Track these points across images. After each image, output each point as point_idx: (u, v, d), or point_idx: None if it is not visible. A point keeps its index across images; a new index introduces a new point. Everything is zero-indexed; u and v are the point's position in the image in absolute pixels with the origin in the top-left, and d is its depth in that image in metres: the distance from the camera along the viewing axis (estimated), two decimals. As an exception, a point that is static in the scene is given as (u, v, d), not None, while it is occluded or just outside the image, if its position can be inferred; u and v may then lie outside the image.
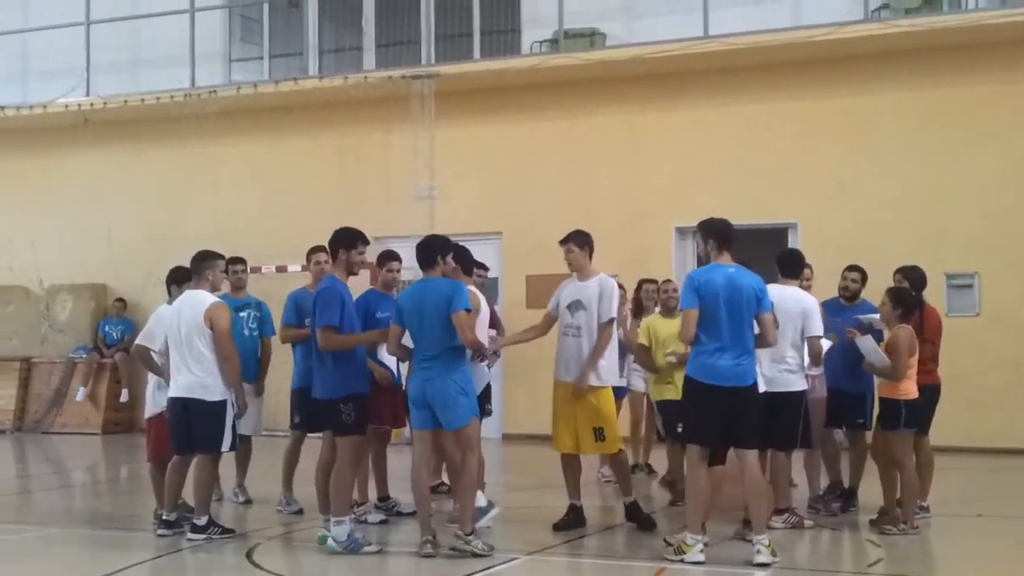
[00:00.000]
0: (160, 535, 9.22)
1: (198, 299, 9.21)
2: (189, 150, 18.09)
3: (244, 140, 18.19)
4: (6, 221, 19.86)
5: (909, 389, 9.02)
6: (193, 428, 9.12)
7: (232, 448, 9.45)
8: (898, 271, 10.03)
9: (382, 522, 9.79)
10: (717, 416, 8.11)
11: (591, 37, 16.52)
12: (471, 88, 16.84)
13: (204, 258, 9.44)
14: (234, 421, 9.34)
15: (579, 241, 9.40)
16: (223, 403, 9.15)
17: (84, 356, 18.47)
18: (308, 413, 9.62)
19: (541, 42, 16.88)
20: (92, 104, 18.54)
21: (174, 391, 9.17)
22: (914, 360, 9.08)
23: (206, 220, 17.26)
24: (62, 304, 19.23)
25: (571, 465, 9.55)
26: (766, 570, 7.84)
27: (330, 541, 8.57)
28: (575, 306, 9.29)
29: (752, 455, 8.24)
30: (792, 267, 9.53)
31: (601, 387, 9.22)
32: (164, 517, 9.31)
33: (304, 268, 11.83)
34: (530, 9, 17.27)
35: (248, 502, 10.90)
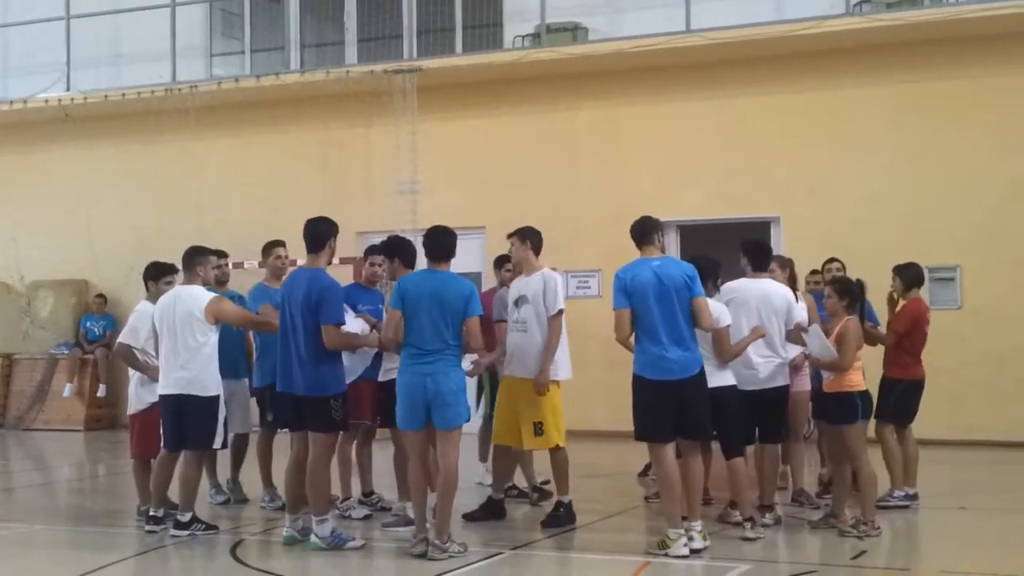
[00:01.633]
0: (148, 531, 9.18)
1: (192, 294, 9.15)
2: (170, 145, 18.04)
3: (225, 135, 18.13)
4: (-13, 217, 19.79)
5: (858, 381, 8.93)
6: (186, 425, 9.06)
7: (224, 446, 9.43)
8: (894, 269, 10.26)
9: (366, 517, 9.78)
10: (670, 410, 8.14)
11: (573, 31, 16.51)
12: (453, 83, 16.82)
13: (196, 253, 9.42)
14: (225, 419, 9.34)
15: (523, 236, 9.51)
16: (216, 399, 9.12)
17: (66, 352, 18.40)
18: (281, 410, 9.49)
19: (523, 36, 16.86)
20: (73, 99, 18.46)
21: (166, 388, 9.10)
22: (860, 352, 8.99)
23: (188, 215, 17.22)
24: (43, 300, 19.14)
25: (502, 457, 9.64)
26: (753, 566, 7.86)
27: (313, 538, 8.54)
28: (520, 301, 9.40)
29: (698, 445, 8.35)
30: (765, 259, 9.47)
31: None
32: (151, 513, 9.27)
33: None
34: (512, 3, 17.25)
35: (236, 501, 10.80)
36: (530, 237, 9.51)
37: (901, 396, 10.01)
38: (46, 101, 18.56)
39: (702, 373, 8.29)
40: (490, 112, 17.02)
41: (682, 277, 8.22)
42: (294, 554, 8.55)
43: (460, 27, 17.41)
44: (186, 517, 9.10)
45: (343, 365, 8.77)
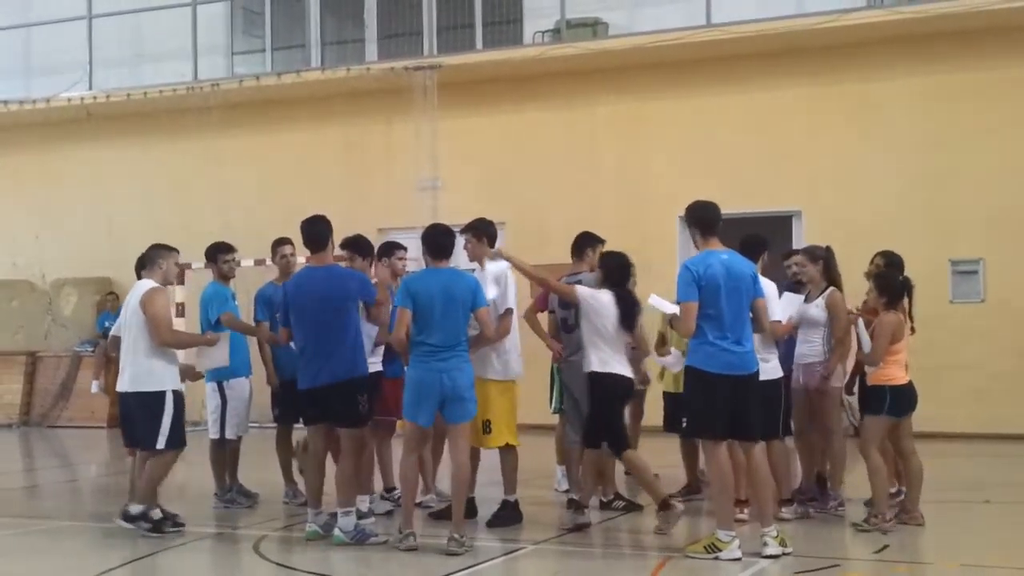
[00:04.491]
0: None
1: (140, 288, 8.97)
2: (192, 143, 18.14)
3: (247, 133, 18.20)
4: (10, 216, 19.95)
5: (892, 375, 8.82)
6: (134, 422, 8.91)
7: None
8: (879, 255, 9.84)
9: (387, 512, 9.79)
10: (724, 406, 7.93)
11: (593, 27, 16.52)
12: (474, 79, 16.84)
13: (158, 248, 9.21)
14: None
15: (478, 232, 9.29)
16: (160, 396, 8.81)
17: (90, 350, 18.49)
18: (300, 406, 9.45)
19: (543, 32, 16.88)
20: (95, 98, 18.58)
21: (119, 384, 8.97)
22: (899, 347, 8.83)
23: (209, 213, 17.28)
24: (67, 298, 19.28)
25: (504, 458, 9.45)
26: (775, 561, 7.82)
27: (337, 532, 8.55)
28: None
29: (759, 446, 8.15)
30: (758, 251, 9.24)
31: (495, 380, 9.15)
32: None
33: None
34: (532, -1, 17.28)
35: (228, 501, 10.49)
36: (485, 231, 9.31)
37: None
38: (68, 100, 18.67)
39: (758, 373, 8.15)
40: (510, 108, 17.04)
41: (750, 274, 8.09)
42: (317, 549, 8.56)
43: (480, 23, 17.43)
44: (136, 510, 8.88)
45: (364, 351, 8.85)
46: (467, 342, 8.42)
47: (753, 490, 8.26)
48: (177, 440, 8.91)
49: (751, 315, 8.11)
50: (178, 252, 9.37)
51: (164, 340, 8.82)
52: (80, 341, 18.80)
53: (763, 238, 9.50)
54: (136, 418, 8.91)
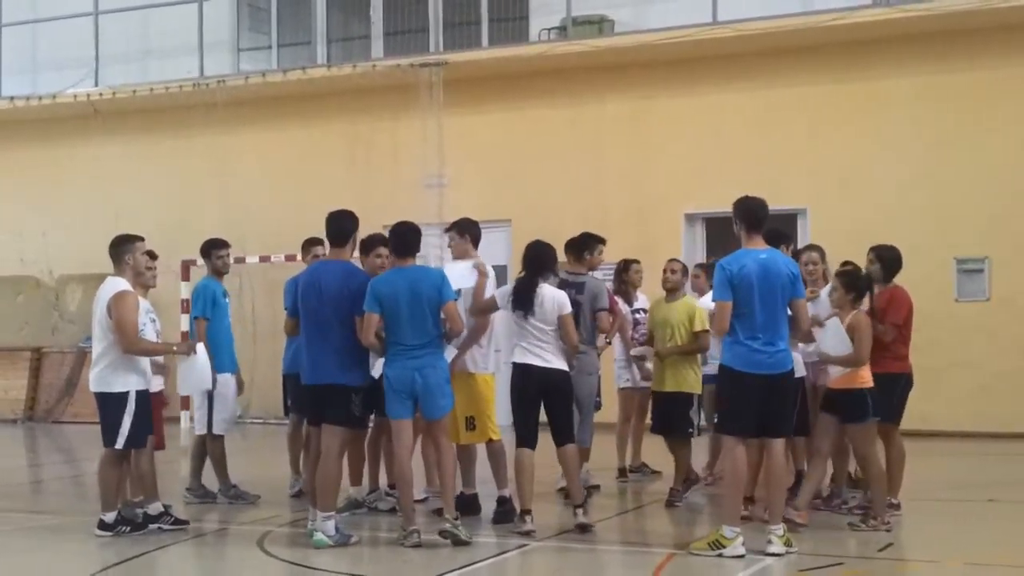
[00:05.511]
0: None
1: (109, 287, 8.82)
2: (198, 140, 18.15)
3: (253, 129, 18.21)
4: (16, 212, 19.96)
5: (867, 377, 8.69)
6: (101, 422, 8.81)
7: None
8: (871, 250, 9.50)
9: (391, 510, 9.78)
10: (755, 405, 7.94)
11: (600, 24, 16.52)
12: (480, 76, 16.84)
13: (121, 243, 9.01)
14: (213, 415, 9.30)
15: (460, 229, 9.36)
16: (123, 396, 8.66)
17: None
18: (302, 401, 9.44)
19: (549, 29, 16.86)
20: (101, 94, 18.60)
21: (91, 384, 8.88)
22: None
23: (215, 210, 17.31)
24: (72, 294, 19.31)
25: (462, 455, 9.41)
26: (779, 559, 7.82)
27: (319, 536, 8.39)
28: (456, 295, 9.19)
29: (780, 444, 8.13)
30: (777, 246, 8.97)
31: (476, 374, 9.19)
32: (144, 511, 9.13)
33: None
34: (538, -4, 17.29)
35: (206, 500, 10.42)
36: (468, 230, 9.36)
37: (900, 390, 9.21)
38: (75, 96, 18.68)
39: (792, 372, 8.16)
40: (516, 105, 17.04)
41: (788, 274, 8.03)
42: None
43: (486, 20, 17.43)
44: (109, 518, 8.80)
45: (369, 358, 8.77)
46: (441, 338, 8.42)
47: (768, 487, 8.26)
48: (138, 441, 8.79)
49: (790, 314, 8.08)
50: (143, 239, 9.17)
51: (127, 348, 8.65)
52: (85, 337, 18.77)
53: (785, 233, 9.49)
54: (100, 417, 8.81)
